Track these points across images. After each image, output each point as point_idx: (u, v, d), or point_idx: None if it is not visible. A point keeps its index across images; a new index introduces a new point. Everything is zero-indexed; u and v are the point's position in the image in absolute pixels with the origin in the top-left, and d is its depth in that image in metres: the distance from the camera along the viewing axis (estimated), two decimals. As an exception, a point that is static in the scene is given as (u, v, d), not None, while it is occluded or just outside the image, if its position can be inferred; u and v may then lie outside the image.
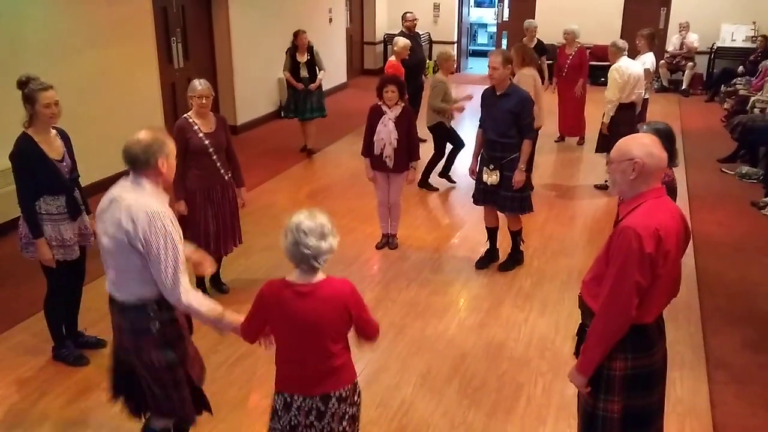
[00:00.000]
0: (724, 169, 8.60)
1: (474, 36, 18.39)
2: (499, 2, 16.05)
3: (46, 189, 4.08)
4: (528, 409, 4.04)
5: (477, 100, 5.94)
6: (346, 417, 2.82)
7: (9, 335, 4.77)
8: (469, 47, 17.04)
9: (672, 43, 13.22)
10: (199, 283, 5.16)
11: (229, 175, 5.04)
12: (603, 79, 7.56)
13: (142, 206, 2.81)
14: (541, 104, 7.02)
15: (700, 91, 13.21)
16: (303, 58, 8.66)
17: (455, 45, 15.32)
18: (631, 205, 2.70)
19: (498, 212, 5.71)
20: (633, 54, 7.73)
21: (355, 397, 2.87)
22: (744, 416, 4.00)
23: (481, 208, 5.81)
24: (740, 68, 12.26)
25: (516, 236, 5.79)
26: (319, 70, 8.77)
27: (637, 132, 3.41)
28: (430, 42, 15.14)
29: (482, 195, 5.61)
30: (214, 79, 9.69)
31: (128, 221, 2.80)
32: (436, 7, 15.40)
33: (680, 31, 12.99)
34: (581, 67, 9.21)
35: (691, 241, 2.96)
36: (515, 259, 5.86)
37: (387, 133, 5.74)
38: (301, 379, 2.77)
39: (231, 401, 4.04)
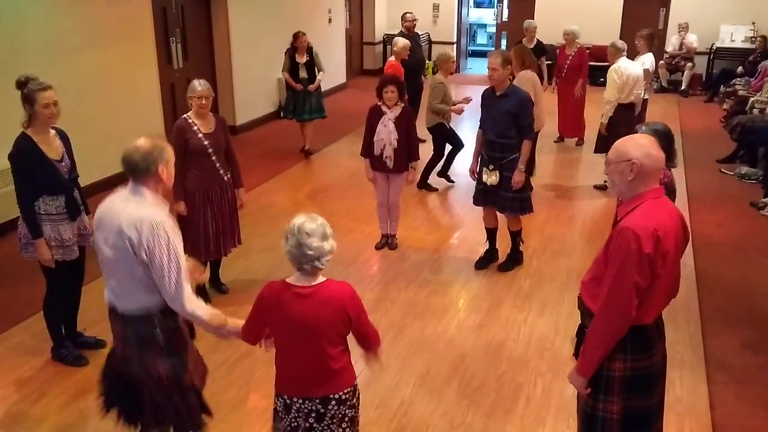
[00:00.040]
0: (723, 170, 8.61)
1: (473, 36, 18.40)
2: (498, 3, 16.05)
3: (46, 189, 4.08)
4: (527, 409, 4.04)
5: (477, 101, 5.94)
6: (346, 419, 2.83)
7: (8, 335, 4.77)
8: (469, 48, 17.05)
9: (671, 44, 13.23)
10: (199, 285, 5.16)
11: (229, 175, 5.04)
12: (602, 80, 7.57)
13: (145, 215, 2.80)
14: (541, 106, 7.02)
15: (700, 92, 13.23)
16: (302, 59, 8.66)
17: (454, 45, 15.33)
18: (630, 205, 2.70)
19: (497, 213, 5.71)
20: (632, 54, 7.73)
21: (355, 400, 2.87)
22: (744, 417, 4.00)
23: (481, 208, 5.81)
24: (739, 69, 12.28)
25: (516, 237, 5.79)
26: (318, 72, 8.76)
27: (636, 133, 3.41)
28: (430, 42, 15.16)
29: (482, 195, 5.61)
30: (214, 79, 9.68)
31: (131, 230, 2.77)
32: (436, 7, 15.41)
33: (679, 32, 13.00)
34: (581, 68, 9.21)
35: (690, 241, 2.96)
36: (515, 259, 5.86)
37: (387, 133, 5.74)
38: (301, 381, 2.77)
39: (231, 401, 4.04)
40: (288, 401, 2.80)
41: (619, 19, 13.92)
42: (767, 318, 5.12)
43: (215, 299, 5.13)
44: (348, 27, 14.14)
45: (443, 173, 7.97)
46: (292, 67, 8.68)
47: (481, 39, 18.95)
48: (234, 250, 5.31)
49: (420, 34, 11.52)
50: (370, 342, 2.83)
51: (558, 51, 9.65)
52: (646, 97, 7.93)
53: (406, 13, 9.68)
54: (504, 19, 15.85)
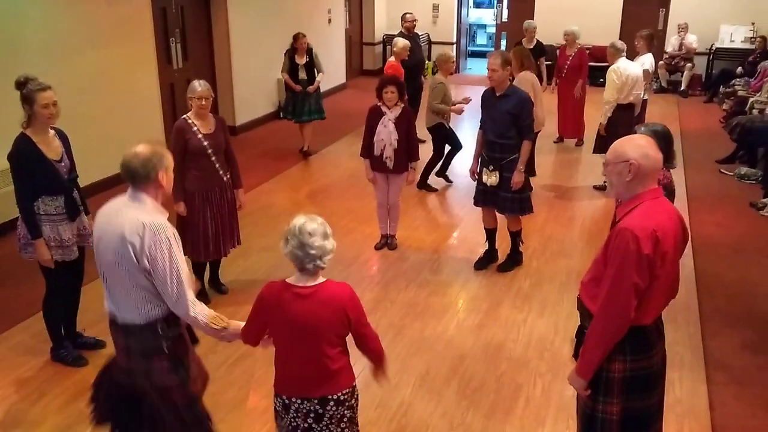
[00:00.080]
0: (722, 170, 8.61)
1: (473, 37, 18.39)
2: (498, 3, 16.05)
3: (45, 189, 4.08)
4: (527, 409, 4.04)
5: (476, 102, 5.95)
6: (345, 420, 2.84)
7: (8, 335, 4.77)
8: (468, 48, 17.04)
9: (671, 44, 13.23)
10: (198, 285, 5.15)
11: (228, 176, 5.04)
12: (602, 80, 7.57)
13: (146, 221, 2.79)
14: (540, 107, 7.02)
15: (699, 92, 13.23)
16: (302, 60, 8.65)
17: (454, 46, 15.33)
18: (628, 206, 2.70)
19: (496, 213, 5.71)
20: (632, 55, 7.73)
21: (353, 401, 2.87)
22: (743, 417, 4.00)
23: (480, 209, 5.81)
24: (739, 69, 12.28)
25: (515, 237, 5.79)
26: (318, 73, 8.75)
27: (635, 133, 3.41)
28: (429, 43, 15.16)
29: (482, 196, 5.61)
30: (213, 79, 9.69)
31: (133, 236, 2.76)
32: (435, 7, 15.41)
33: (679, 32, 13.00)
34: (581, 68, 9.21)
35: (690, 242, 2.96)
36: (514, 259, 5.86)
37: (387, 134, 5.74)
38: (300, 381, 2.78)
39: (230, 402, 4.04)
40: (287, 401, 2.81)
41: (618, 20, 13.92)
42: (767, 318, 5.12)
43: (215, 300, 5.13)
44: (348, 27, 14.14)
45: (441, 173, 7.99)
46: (291, 68, 8.67)
47: (481, 39, 18.94)
48: (233, 251, 5.31)
49: (420, 34, 11.52)
50: (368, 345, 2.83)
51: (558, 51, 9.64)
52: (645, 97, 7.93)
53: (405, 13, 9.69)
54: (504, 20, 15.84)
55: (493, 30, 17.11)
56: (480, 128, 5.59)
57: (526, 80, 6.96)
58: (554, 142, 9.71)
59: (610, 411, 2.77)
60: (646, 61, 7.87)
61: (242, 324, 2.94)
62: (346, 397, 2.81)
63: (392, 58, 8.55)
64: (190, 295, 2.89)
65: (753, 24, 12.97)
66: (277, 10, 10.89)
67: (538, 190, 7.46)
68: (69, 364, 4.39)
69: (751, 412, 4.04)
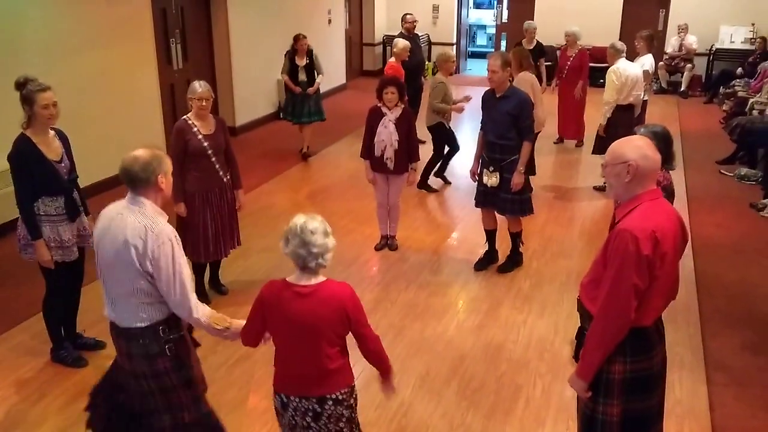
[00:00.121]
0: (722, 171, 8.61)
1: (473, 37, 18.40)
2: (498, 4, 16.06)
3: (45, 190, 4.08)
4: (527, 410, 4.04)
5: (477, 102, 5.95)
6: (343, 419, 2.85)
7: (9, 336, 4.77)
8: (468, 49, 17.05)
9: (671, 45, 13.24)
10: (198, 285, 5.15)
11: (228, 177, 5.04)
12: (602, 81, 7.57)
13: (148, 225, 2.80)
14: (540, 107, 7.02)
15: (699, 93, 13.23)
16: (302, 61, 8.64)
17: (454, 46, 15.33)
18: (627, 207, 2.70)
19: (496, 214, 5.71)
20: (632, 56, 7.74)
21: (352, 400, 2.88)
22: (743, 418, 4.00)
23: (480, 209, 5.81)
24: (739, 70, 12.28)
25: (516, 238, 5.79)
26: (318, 75, 8.74)
27: (635, 134, 3.40)
28: (429, 43, 15.17)
29: (483, 197, 5.61)
30: (213, 80, 9.69)
31: (136, 239, 2.77)
32: (435, 8, 15.41)
33: (679, 33, 13.00)
34: (581, 69, 9.21)
35: (690, 242, 2.96)
36: (514, 260, 5.86)
37: (388, 134, 5.74)
38: (299, 380, 2.79)
39: (230, 402, 4.04)
40: (285, 399, 2.82)
41: (618, 20, 13.92)
42: (767, 319, 5.12)
43: (215, 300, 5.13)
44: (348, 28, 14.14)
45: (439, 174, 7.99)
46: (291, 70, 8.65)
47: (481, 40, 18.94)
48: (234, 251, 5.31)
49: (420, 35, 11.52)
50: (368, 346, 2.83)
51: (559, 52, 9.64)
52: (645, 98, 7.93)
53: (406, 14, 9.69)
54: (504, 20, 15.85)
55: (493, 31, 17.11)
56: (480, 129, 5.59)
57: (524, 81, 6.95)
58: (554, 143, 9.72)
59: (610, 412, 2.77)
60: (646, 61, 7.87)
61: (244, 323, 2.94)
62: (344, 396, 2.82)
63: (392, 59, 8.55)
64: (193, 298, 2.90)
65: (753, 25, 12.97)
66: (277, 10, 10.89)
67: (538, 191, 7.46)
68: (69, 365, 4.39)
69: (751, 413, 4.04)
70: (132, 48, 7.87)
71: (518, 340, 4.80)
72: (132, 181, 2.84)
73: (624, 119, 7.16)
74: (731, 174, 8.43)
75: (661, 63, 12.83)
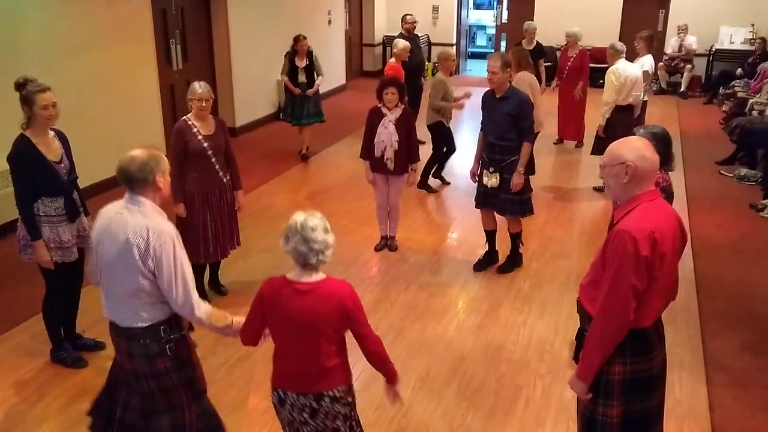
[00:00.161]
0: (722, 172, 8.61)
1: (473, 38, 18.40)
2: (498, 4, 16.06)
3: (44, 191, 4.07)
4: (527, 411, 4.04)
5: (477, 102, 5.95)
6: (340, 416, 2.85)
7: (8, 336, 4.77)
8: (468, 49, 17.05)
9: (670, 46, 13.24)
10: (198, 286, 5.15)
11: (228, 177, 5.04)
12: (601, 82, 7.57)
13: (150, 224, 2.80)
14: (539, 107, 7.02)
15: (699, 94, 13.23)
16: (302, 63, 8.62)
17: (454, 47, 15.33)
18: (626, 208, 2.69)
19: (496, 215, 5.70)
20: (632, 56, 7.74)
21: (349, 398, 2.89)
22: (743, 419, 4.00)
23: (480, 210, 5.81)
24: (739, 70, 12.28)
25: (516, 239, 5.79)
26: (318, 76, 8.73)
27: (634, 135, 3.40)
28: (429, 44, 15.17)
29: (483, 198, 5.61)
30: (213, 80, 9.69)
31: (138, 239, 2.77)
32: (435, 9, 15.42)
33: (679, 34, 13.01)
34: (582, 70, 9.21)
35: (689, 243, 2.96)
36: (514, 261, 5.86)
37: (388, 135, 5.74)
38: (297, 376, 2.80)
39: (230, 402, 4.04)
40: (282, 395, 2.83)
41: (618, 21, 13.93)
42: (766, 320, 5.12)
43: (214, 301, 5.11)
44: (348, 28, 14.14)
45: (437, 174, 7.99)
46: (291, 71, 8.64)
47: (481, 41, 18.94)
48: (234, 252, 5.31)
49: (419, 35, 11.52)
50: (368, 347, 2.82)
51: (560, 52, 9.64)
52: (645, 99, 7.93)
53: (406, 14, 9.69)
54: (503, 21, 15.85)
55: (492, 31, 17.11)
56: (480, 130, 5.59)
57: (523, 80, 6.96)
58: (554, 143, 9.72)
59: (610, 414, 2.77)
60: (646, 62, 7.87)
61: (244, 319, 2.94)
62: (341, 394, 2.82)
63: (392, 60, 8.55)
64: (195, 295, 2.90)
65: (752, 25, 12.98)
66: (276, 11, 10.89)
67: (538, 192, 7.46)
68: (69, 366, 4.39)
69: (750, 414, 4.04)
70: (132, 48, 7.88)
71: (518, 340, 4.80)
72: (130, 181, 2.84)
73: (623, 120, 7.16)
74: (731, 174, 8.43)
75: (660, 63, 12.83)
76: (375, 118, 5.81)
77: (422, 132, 7.34)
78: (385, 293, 5.45)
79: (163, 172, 2.90)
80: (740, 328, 4.99)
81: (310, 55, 8.67)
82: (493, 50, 14.99)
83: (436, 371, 4.42)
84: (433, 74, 8.40)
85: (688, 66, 12.95)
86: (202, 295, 5.04)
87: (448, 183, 8.05)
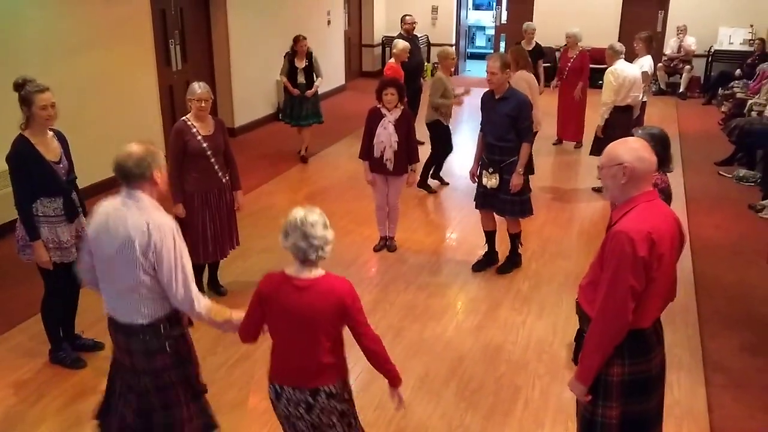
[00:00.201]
0: (721, 172, 8.62)
1: (472, 39, 18.40)
2: (497, 5, 16.06)
3: (43, 191, 4.07)
4: (525, 412, 4.04)
5: (476, 102, 5.95)
6: (336, 411, 2.86)
7: (7, 337, 4.77)
8: (468, 50, 17.05)
9: (670, 46, 13.25)
10: (197, 286, 5.14)
11: (227, 177, 5.04)
12: (601, 82, 7.58)
13: (150, 218, 2.80)
14: (537, 107, 7.03)
15: (698, 94, 13.24)
16: (301, 63, 8.61)
17: (453, 47, 15.32)
18: (623, 209, 2.69)
19: (495, 215, 5.70)
20: (631, 57, 7.74)
21: (345, 394, 2.89)
22: (741, 419, 4.00)
23: (479, 210, 5.81)
24: (738, 71, 12.29)
25: (515, 239, 5.79)
26: (317, 77, 8.73)
27: (632, 136, 3.40)
28: (429, 45, 15.17)
29: (482, 199, 5.61)
30: (212, 81, 9.69)
31: (138, 233, 2.77)
32: (435, 9, 15.42)
33: (678, 34, 13.02)
34: (582, 71, 9.21)
35: (688, 244, 2.96)
36: (513, 261, 5.86)
37: (387, 135, 5.74)
38: (294, 372, 2.80)
39: (230, 403, 4.03)
40: (279, 390, 2.84)
41: (617, 22, 13.94)
42: (765, 320, 5.12)
43: (213, 301, 5.11)
44: (347, 29, 14.14)
45: (436, 175, 7.99)
46: (290, 72, 8.64)
47: (480, 41, 18.93)
48: (233, 252, 5.32)
49: (419, 36, 11.53)
50: (367, 345, 2.81)
51: (561, 53, 9.65)
52: (644, 99, 7.93)
53: (405, 15, 9.70)
54: (503, 22, 15.84)
55: (492, 32, 17.10)
56: (480, 131, 5.59)
57: (521, 79, 6.95)
58: (553, 144, 9.72)
59: (609, 415, 2.77)
60: (645, 63, 7.88)
61: (244, 314, 2.94)
62: (337, 390, 2.83)
63: (392, 60, 8.55)
64: (195, 290, 2.91)
65: (751, 26, 12.99)
66: (276, 11, 10.89)
67: (537, 192, 7.45)
68: (67, 366, 4.39)
69: (749, 414, 4.04)
70: (131, 49, 7.88)
71: (517, 341, 4.80)
72: (127, 176, 2.84)
73: (622, 120, 7.16)
74: (730, 175, 8.43)
75: (659, 64, 12.84)
76: (374, 118, 5.81)
77: (421, 132, 7.35)
78: (384, 294, 5.45)
79: (160, 167, 2.90)
80: (739, 328, 4.99)
81: (309, 56, 8.66)
82: (492, 51, 14.99)
83: (435, 372, 4.42)
84: (433, 75, 8.40)
85: (687, 67, 12.97)
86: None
87: (447, 183, 8.05)
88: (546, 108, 7.73)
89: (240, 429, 3.85)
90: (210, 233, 5.01)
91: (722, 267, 5.97)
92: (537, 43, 9.64)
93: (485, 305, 5.30)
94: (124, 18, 7.71)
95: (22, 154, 3.99)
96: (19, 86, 3.98)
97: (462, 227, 6.89)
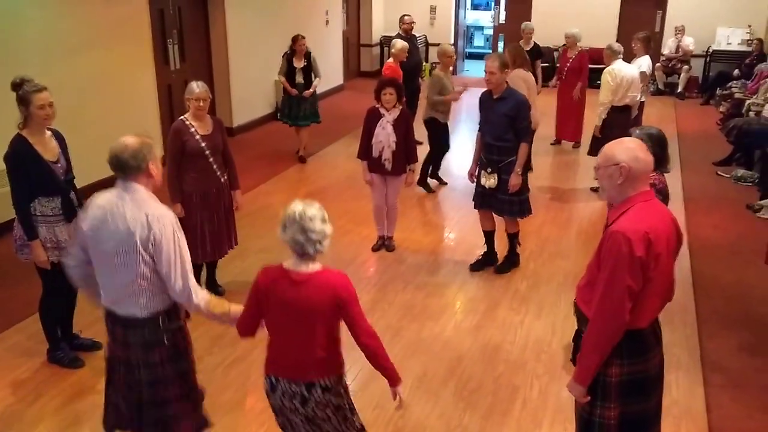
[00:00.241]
0: (719, 172, 8.63)
1: (470, 38, 18.40)
2: (495, 5, 16.07)
3: (41, 190, 4.07)
4: (524, 411, 4.04)
5: (474, 102, 5.95)
6: (331, 405, 2.86)
7: (5, 336, 4.76)
8: (466, 50, 17.05)
9: (668, 47, 13.27)
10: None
11: (225, 177, 5.04)
12: (599, 82, 7.58)
13: (149, 209, 2.80)
14: (535, 106, 7.02)
15: (696, 95, 13.26)
16: (300, 63, 8.61)
17: (452, 47, 15.32)
18: (620, 209, 2.70)
19: (494, 215, 5.71)
20: (629, 57, 7.75)
21: (341, 389, 2.89)
22: (740, 419, 4.00)
23: (477, 210, 5.81)
24: (736, 71, 12.31)
25: (513, 239, 5.79)
26: (315, 77, 8.72)
27: (630, 136, 3.40)
28: (427, 44, 15.16)
29: (481, 198, 5.61)
30: (211, 80, 9.68)
31: (137, 225, 2.77)
32: (433, 9, 15.42)
33: (676, 35, 13.04)
34: (581, 71, 9.21)
35: (686, 244, 2.96)
36: (511, 261, 5.86)
37: (386, 135, 5.74)
38: (290, 364, 2.81)
39: (227, 403, 4.03)
40: (274, 381, 2.84)
41: (615, 22, 13.95)
42: (763, 320, 5.13)
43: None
44: (345, 29, 14.14)
45: (433, 174, 7.99)
46: (288, 71, 8.63)
47: (479, 41, 18.94)
48: (231, 252, 5.31)
49: (417, 36, 11.52)
50: (363, 340, 2.80)
51: (560, 53, 9.65)
52: (642, 99, 7.94)
53: (404, 15, 9.69)
54: (501, 22, 15.85)
55: (490, 32, 17.11)
56: (478, 131, 5.60)
57: (518, 77, 6.94)
58: (551, 144, 9.73)
59: (607, 415, 2.77)
60: (643, 63, 7.89)
61: (242, 307, 2.94)
62: (332, 384, 2.83)
63: (390, 60, 8.55)
64: (193, 281, 2.91)
65: (749, 26, 13.01)
66: (274, 11, 10.89)
67: (535, 192, 7.45)
68: (65, 366, 4.38)
69: (747, 414, 4.05)
70: (129, 48, 7.86)
71: (515, 341, 4.80)
72: (123, 168, 2.84)
73: (620, 120, 7.16)
74: (728, 175, 8.44)
75: (658, 64, 12.85)
76: (373, 118, 5.81)
77: (420, 132, 7.35)
78: (382, 293, 5.45)
79: (155, 160, 2.91)
80: (737, 328, 4.99)
81: (308, 56, 8.66)
82: (490, 51, 15.00)
83: (434, 371, 4.42)
84: (431, 74, 8.40)
85: (685, 67, 12.99)
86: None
87: (446, 183, 8.05)
88: (544, 108, 7.73)
89: (237, 429, 3.85)
90: (208, 233, 5.00)
91: (720, 267, 5.97)
92: (535, 43, 9.64)
93: (484, 305, 5.30)
94: (123, 18, 7.70)
95: (20, 153, 3.98)
96: (17, 86, 3.98)
97: (460, 227, 6.89)
